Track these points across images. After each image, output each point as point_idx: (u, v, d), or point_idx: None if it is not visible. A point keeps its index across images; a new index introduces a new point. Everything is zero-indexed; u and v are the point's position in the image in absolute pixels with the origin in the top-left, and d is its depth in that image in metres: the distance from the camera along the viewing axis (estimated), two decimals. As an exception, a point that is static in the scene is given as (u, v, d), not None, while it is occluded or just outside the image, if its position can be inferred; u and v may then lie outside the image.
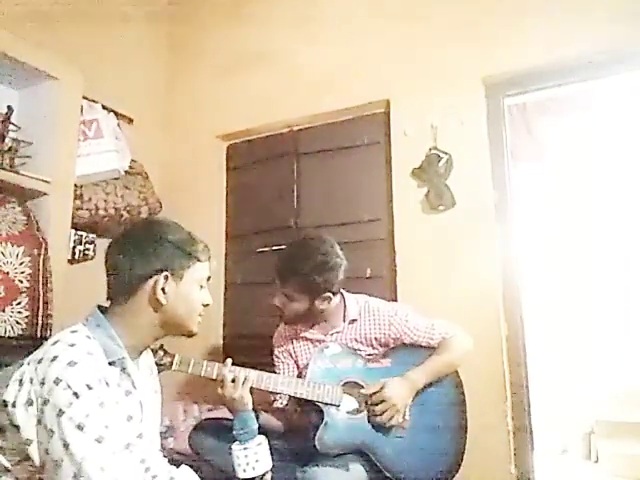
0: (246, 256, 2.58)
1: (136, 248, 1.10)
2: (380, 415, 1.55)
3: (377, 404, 1.56)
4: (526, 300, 2.10)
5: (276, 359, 1.84)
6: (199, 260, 1.15)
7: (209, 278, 1.20)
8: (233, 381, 1.39)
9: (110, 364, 1.03)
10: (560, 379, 3.35)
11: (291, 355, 1.81)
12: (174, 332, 1.16)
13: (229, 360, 1.46)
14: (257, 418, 1.40)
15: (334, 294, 1.69)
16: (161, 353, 1.44)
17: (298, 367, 1.79)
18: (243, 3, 2.77)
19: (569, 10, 2.00)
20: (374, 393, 1.58)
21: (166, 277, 1.09)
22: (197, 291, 1.16)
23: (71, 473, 0.88)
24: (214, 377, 1.44)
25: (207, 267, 1.19)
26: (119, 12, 2.63)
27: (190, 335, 1.17)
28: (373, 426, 1.58)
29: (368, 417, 1.58)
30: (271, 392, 1.59)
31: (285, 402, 1.73)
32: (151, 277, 1.09)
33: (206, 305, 1.19)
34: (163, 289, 1.09)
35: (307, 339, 1.78)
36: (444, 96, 2.19)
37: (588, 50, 1.97)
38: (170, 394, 1.37)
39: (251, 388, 1.42)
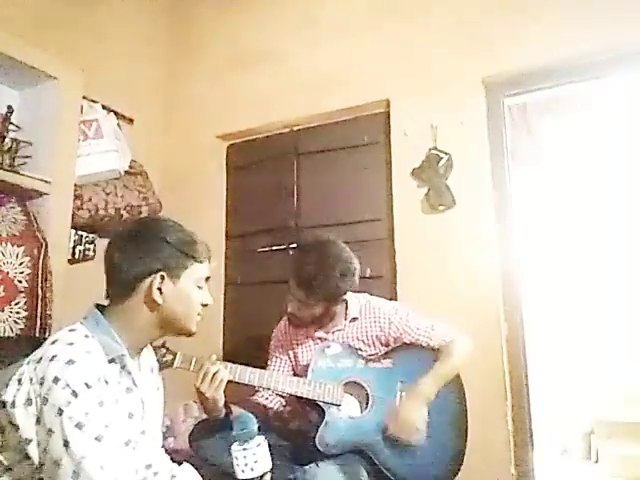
0: (246, 256, 2.57)
1: (133, 247, 1.10)
2: (403, 438, 1.53)
3: (397, 429, 1.53)
4: (526, 300, 2.09)
5: (271, 353, 1.84)
6: (197, 261, 1.14)
7: (208, 278, 1.19)
8: (204, 378, 1.39)
9: (110, 362, 1.02)
10: (560, 379, 3.35)
11: (288, 352, 1.81)
12: (173, 332, 1.16)
13: (213, 356, 1.46)
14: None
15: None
16: (163, 351, 1.45)
17: (297, 364, 1.79)
18: (243, 4, 2.78)
19: (569, 10, 2.00)
20: (392, 419, 1.55)
21: (162, 277, 1.08)
22: (195, 291, 1.14)
23: (71, 472, 0.88)
24: None
25: (206, 267, 1.17)
26: (119, 12, 2.63)
27: (189, 335, 1.16)
28: (373, 426, 1.58)
29: (390, 440, 1.55)
30: (271, 390, 1.59)
31: (284, 401, 1.73)
32: (148, 277, 1.08)
33: (205, 305, 1.17)
34: (160, 289, 1.08)
35: (308, 336, 1.79)
36: (444, 96, 2.19)
37: (588, 50, 1.97)
38: (170, 393, 1.36)
39: (236, 383, 1.41)
